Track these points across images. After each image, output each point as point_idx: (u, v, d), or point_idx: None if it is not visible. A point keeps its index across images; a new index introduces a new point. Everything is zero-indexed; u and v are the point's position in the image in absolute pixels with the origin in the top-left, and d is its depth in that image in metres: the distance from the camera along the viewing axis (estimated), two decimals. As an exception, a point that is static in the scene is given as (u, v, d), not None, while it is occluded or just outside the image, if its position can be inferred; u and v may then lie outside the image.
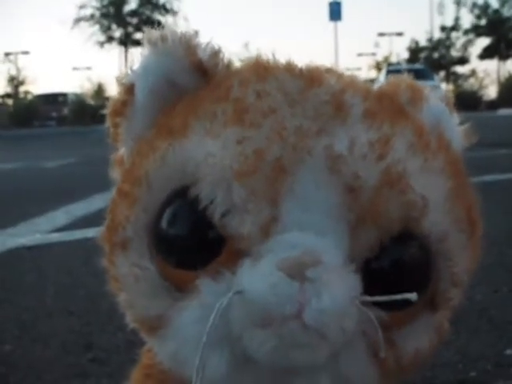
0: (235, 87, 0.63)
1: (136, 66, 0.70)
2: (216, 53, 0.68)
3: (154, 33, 0.69)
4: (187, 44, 0.67)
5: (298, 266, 0.55)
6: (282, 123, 0.59)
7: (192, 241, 0.60)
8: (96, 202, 4.29)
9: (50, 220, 3.93)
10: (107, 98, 0.74)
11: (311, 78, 0.64)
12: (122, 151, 0.70)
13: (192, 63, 0.67)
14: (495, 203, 3.71)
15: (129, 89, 0.69)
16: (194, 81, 0.67)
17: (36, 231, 3.55)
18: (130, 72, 0.70)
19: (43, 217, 4.03)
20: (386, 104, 0.66)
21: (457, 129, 0.74)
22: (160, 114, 0.67)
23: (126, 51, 47.21)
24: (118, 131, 0.71)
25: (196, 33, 0.69)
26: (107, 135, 0.73)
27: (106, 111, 0.72)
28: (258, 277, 0.55)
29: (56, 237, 3.39)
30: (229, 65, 0.69)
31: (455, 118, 0.74)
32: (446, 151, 0.66)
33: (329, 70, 0.67)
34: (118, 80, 0.71)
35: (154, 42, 0.68)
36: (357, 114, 0.62)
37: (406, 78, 0.73)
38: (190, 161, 0.60)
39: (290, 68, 0.65)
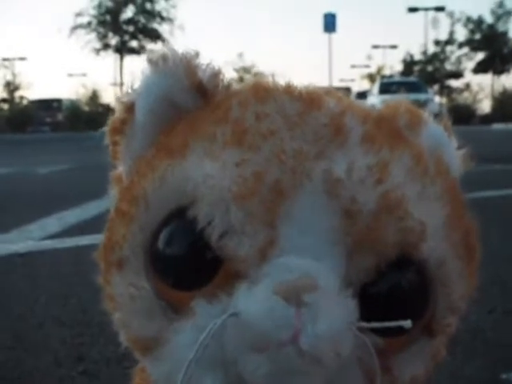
0: (234, 108, 0.63)
1: (136, 84, 0.70)
2: (216, 74, 0.68)
3: (155, 52, 0.69)
4: (188, 64, 0.67)
5: (295, 291, 0.54)
6: (281, 146, 0.59)
7: (189, 261, 0.60)
8: (89, 209, 4.29)
9: (42, 227, 3.92)
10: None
11: (310, 100, 0.64)
12: (121, 169, 0.70)
13: (192, 84, 0.67)
14: (489, 220, 3.71)
15: (129, 107, 0.69)
16: (193, 101, 0.67)
17: (28, 238, 3.54)
18: (130, 90, 0.70)
19: (36, 223, 4.02)
20: (384, 128, 0.65)
21: (455, 153, 0.74)
22: (160, 133, 0.67)
23: (122, 58, 47.23)
24: (117, 149, 0.71)
25: (197, 53, 0.69)
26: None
27: (105, 129, 0.72)
28: (254, 300, 0.55)
29: (48, 244, 3.38)
30: (229, 86, 0.69)
31: (453, 142, 0.74)
32: (445, 177, 0.66)
33: (328, 93, 0.67)
34: (118, 99, 0.71)
35: (155, 62, 0.68)
36: (355, 137, 0.62)
37: (405, 102, 0.73)
38: (189, 182, 0.60)
39: (289, 90, 0.65)
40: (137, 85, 0.70)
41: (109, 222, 0.66)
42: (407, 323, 0.57)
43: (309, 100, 0.64)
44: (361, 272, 0.58)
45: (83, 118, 41.35)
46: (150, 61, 0.69)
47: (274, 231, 0.57)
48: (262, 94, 0.64)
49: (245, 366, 0.56)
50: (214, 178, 0.58)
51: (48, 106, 44.64)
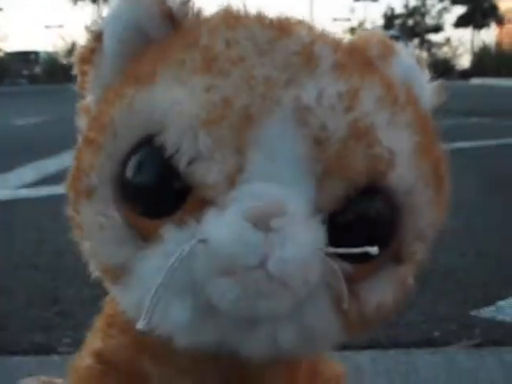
0: (204, 35, 0.63)
1: (105, 13, 0.69)
2: (185, 1, 0.67)
3: None
4: None
5: (263, 216, 0.54)
6: (251, 72, 0.59)
7: (157, 189, 0.59)
8: (66, 160, 4.24)
9: (18, 176, 3.90)
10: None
11: (281, 28, 0.63)
12: (89, 99, 0.69)
13: (161, 11, 0.66)
14: (464, 169, 3.76)
15: (97, 36, 0.68)
16: (163, 29, 0.66)
17: (4, 187, 3.52)
18: (99, 19, 0.69)
19: (12, 173, 4.00)
20: (356, 57, 0.65)
21: (426, 85, 0.73)
22: (128, 61, 0.66)
23: (99, 9, 46.60)
24: (85, 79, 0.70)
25: None
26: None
27: (73, 59, 0.71)
28: (222, 226, 0.55)
29: (24, 193, 3.37)
30: (198, 14, 0.68)
31: (425, 74, 0.74)
32: (415, 106, 0.66)
33: (299, 22, 0.66)
34: (87, 27, 0.70)
35: None
36: (326, 65, 0.61)
37: (378, 33, 0.73)
38: (157, 108, 0.59)
39: (260, 18, 0.65)
40: (105, 13, 0.69)
41: (76, 151, 0.65)
42: (373, 249, 0.58)
43: (279, 28, 0.63)
44: (330, 199, 0.58)
45: (61, 71, 40.84)
46: None
47: (243, 157, 0.57)
48: (232, 22, 0.64)
49: (213, 291, 0.56)
50: (182, 104, 0.58)
51: (25, 58, 44.11)
